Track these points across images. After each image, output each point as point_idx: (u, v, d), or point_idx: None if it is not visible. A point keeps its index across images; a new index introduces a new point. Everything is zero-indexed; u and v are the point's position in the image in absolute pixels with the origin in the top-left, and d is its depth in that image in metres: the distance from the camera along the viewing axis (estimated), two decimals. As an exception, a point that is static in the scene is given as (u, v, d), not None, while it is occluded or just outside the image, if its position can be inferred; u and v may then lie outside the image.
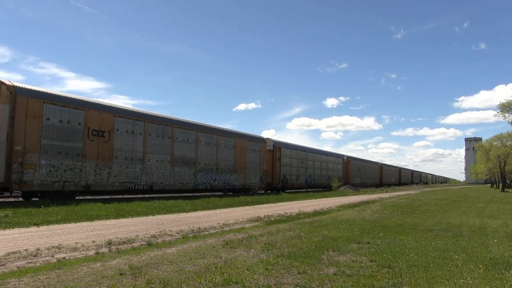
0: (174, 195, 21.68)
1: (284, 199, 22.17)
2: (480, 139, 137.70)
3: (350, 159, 52.27)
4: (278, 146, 33.18)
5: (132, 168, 18.67)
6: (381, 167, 69.76)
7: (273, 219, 12.14)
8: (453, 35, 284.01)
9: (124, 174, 18.24)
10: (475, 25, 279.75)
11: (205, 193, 24.50)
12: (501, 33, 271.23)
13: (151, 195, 20.32)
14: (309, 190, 37.54)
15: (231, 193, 26.50)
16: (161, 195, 20.89)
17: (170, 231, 9.04)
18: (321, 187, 41.79)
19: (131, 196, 19.70)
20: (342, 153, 52.70)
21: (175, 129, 21.49)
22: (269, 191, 31.73)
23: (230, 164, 26.03)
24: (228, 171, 25.79)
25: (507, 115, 37.53)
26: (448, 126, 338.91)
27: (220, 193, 25.16)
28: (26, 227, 8.99)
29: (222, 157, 25.35)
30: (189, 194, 22.94)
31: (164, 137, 20.74)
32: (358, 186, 49.86)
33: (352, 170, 51.88)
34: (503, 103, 37.15)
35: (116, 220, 10.88)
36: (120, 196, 19.50)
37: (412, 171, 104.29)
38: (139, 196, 20.03)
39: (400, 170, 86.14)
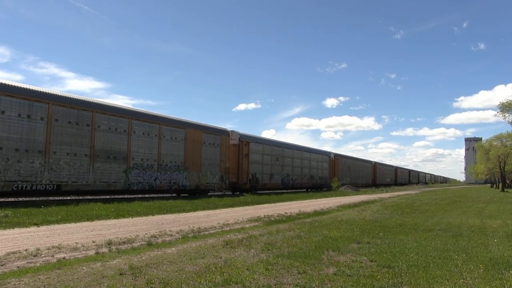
0: (96, 197, 17.69)
1: (285, 199, 22.17)
2: (480, 139, 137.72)
3: (338, 156, 47.67)
4: (246, 140, 27.94)
5: (28, 163, 14.23)
6: (375, 166, 65.25)
7: (273, 219, 12.14)
8: (453, 35, 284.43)
9: (13, 171, 13.81)
10: (474, 25, 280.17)
11: (143, 195, 20.25)
12: (500, 33, 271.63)
13: (61, 198, 16.86)
14: (285, 191, 32.96)
15: (175, 194, 21.74)
16: (74, 197, 17.53)
17: (170, 231, 9.04)
18: (303, 188, 37.31)
19: (26, 199, 15.94)
20: (329, 150, 49.92)
21: (96, 114, 16.95)
22: (237, 192, 26.87)
23: (178, 160, 21.12)
24: (175, 169, 20.93)
25: (507, 115, 37.50)
26: (448, 126, 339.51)
27: (166, 195, 20.93)
28: (26, 227, 8.99)
29: (167, 151, 20.60)
30: (118, 197, 18.87)
31: (80, 125, 16.22)
32: (347, 186, 46.62)
33: (340, 169, 47.18)
34: (503, 103, 37.13)
35: (116, 220, 10.88)
36: (13, 199, 15.78)
37: (410, 171, 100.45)
38: (41, 198, 16.13)
39: (396, 169, 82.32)
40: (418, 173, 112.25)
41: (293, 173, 35.20)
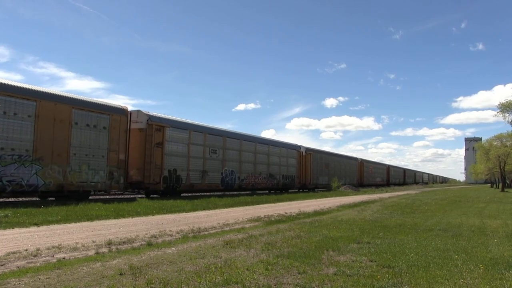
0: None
1: (285, 199, 22.17)
2: (480, 139, 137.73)
3: (311, 151, 39.47)
4: (158, 124, 20.10)
5: None
6: (361, 163, 57.14)
7: (273, 219, 12.14)
8: (451, 36, 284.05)
9: None
10: (473, 26, 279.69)
11: None
12: (499, 33, 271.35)
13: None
14: (228, 193, 25.89)
15: (13, 198, 15.74)
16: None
17: (170, 231, 9.04)
18: (257, 189, 30.06)
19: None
20: (299, 144, 38.70)
21: None
22: (141, 196, 20.65)
23: (20, 146, 14.04)
24: (15, 160, 13.89)
25: (507, 115, 37.51)
26: (447, 126, 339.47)
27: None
28: (26, 227, 8.99)
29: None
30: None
31: None
32: (324, 187, 40.35)
33: (314, 166, 39.58)
34: (503, 103, 37.14)
35: (116, 220, 10.88)
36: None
37: (405, 170, 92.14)
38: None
39: (388, 168, 74.41)
40: (414, 172, 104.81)
41: (240, 170, 27.30)
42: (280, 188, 33.15)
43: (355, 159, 56.40)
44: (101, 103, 17.70)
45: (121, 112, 18.30)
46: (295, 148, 36.88)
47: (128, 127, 18.79)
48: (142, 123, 19.88)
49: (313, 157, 39.74)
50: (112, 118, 17.64)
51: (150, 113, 20.30)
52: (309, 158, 38.88)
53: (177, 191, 21.36)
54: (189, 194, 22.76)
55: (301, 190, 37.07)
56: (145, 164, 19.42)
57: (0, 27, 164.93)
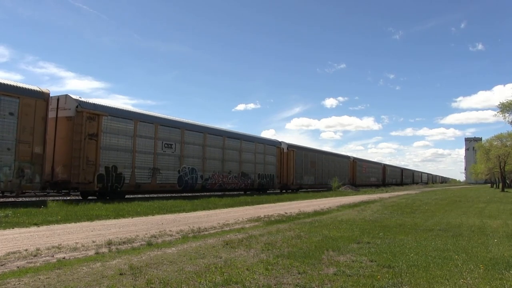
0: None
1: (284, 199, 22.18)
2: (480, 139, 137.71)
3: (293, 148, 35.11)
4: (91, 112, 16.91)
5: None
6: (354, 162, 52.21)
7: (273, 219, 12.14)
8: (451, 36, 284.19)
9: None
10: (472, 26, 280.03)
11: None
12: (498, 33, 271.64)
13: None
14: (187, 194, 22.87)
15: None
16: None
17: (170, 231, 9.04)
18: (227, 190, 26.40)
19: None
20: (278, 139, 34.70)
21: None
22: (67, 197, 17.42)
23: None
24: None
25: (507, 115, 37.47)
26: (447, 126, 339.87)
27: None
28: (26, 227, 8.98)
29: None
30: None
31: None
32: (310, 187, 37.75)
33: (297, 165, 35.62)
34: (503, 103, 37.09)
35: (116, 220, 10.88)
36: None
37: (402, 169, 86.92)
38: (139, 196, 18.49)
39: (384, 167, 69.33)
40: (412, 172, 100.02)
41: (204, 169, 23.70)
42: (256, 188, 29.60)
43: (347, 157, 52.26)
44: (5, 82, 13.96)
45: (37, 95, 14.63)
46: (274, 144, 32.62)
47: (56, 116, 16.35)
48: (70, 110, 16.64)
49: (297, 155, 35.43)
50: (24, 102, 14.10)
51: (82, 99, 16.97)
52: (292, 155, 34.58)
53: (119, 192, 18.15)
54: (138, 196, 19.91)
55: (283, 191, 33.93)
56: (73, 159, 16.10)
57: (0, 27, 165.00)
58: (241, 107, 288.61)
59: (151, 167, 19.89)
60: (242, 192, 27.80)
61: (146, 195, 20.71)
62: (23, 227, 8.96)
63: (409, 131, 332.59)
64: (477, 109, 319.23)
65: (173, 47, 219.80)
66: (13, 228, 8.76)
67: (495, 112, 41.65)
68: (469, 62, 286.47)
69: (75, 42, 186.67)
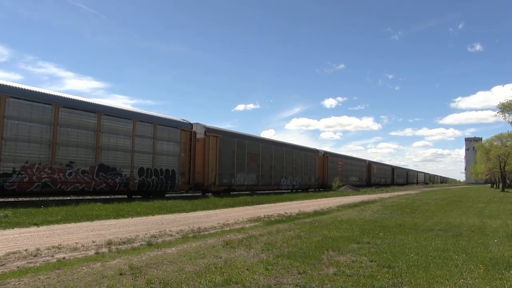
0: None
1: (285, 199, 22.17)
2: (480, 139, 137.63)
3: (211, 132, 24.08)
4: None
5: None
6: (325, 158, 42.83)
7: (273, 219, 12.14)
8: (449, 36, 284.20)
9: None
10: (471, 26, 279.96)
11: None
12: (497, 34, 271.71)
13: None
14: (84, 197, 17.73)
15: None
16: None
17: (170, 231, 9.04)
18: (148, 193, 19.39)
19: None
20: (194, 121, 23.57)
21: None
22: None
23: None
24: None
25: (507, 115, 37.45)
26: (447, 126, 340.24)
27: None
28: (26, 227, 8.98)
29: None
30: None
31: None
32: (242, 189, 27.49)
33: (223, 155, 25.10)
34: (503, 103, 37.06)
35: (116, 220, 10.88)
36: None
37: (393, 168, 76.18)
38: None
39: (369, 165, 59.98)
40: (406, 171, 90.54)
41: (116, 163, 17.59)
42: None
43: (315, 151, 41.83)
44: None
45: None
46: (179, 125, 21.40)
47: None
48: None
49: (222, 143, 25.10)
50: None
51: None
52: (214, 143, 24.31)
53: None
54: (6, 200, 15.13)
55: (198, 194, 24.02)
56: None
57: (0, 26, 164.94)
58: (240, 107, 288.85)
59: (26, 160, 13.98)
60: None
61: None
62: (23, 227, 8.96)
63: (408, 131, 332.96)
64: (476, 109, 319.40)
65: (173, 47, 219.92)
66: (13, 228, 8.76)
67: (495, 113, 41.56)
68: (468, 62, 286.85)
69: (74, 42, 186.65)
